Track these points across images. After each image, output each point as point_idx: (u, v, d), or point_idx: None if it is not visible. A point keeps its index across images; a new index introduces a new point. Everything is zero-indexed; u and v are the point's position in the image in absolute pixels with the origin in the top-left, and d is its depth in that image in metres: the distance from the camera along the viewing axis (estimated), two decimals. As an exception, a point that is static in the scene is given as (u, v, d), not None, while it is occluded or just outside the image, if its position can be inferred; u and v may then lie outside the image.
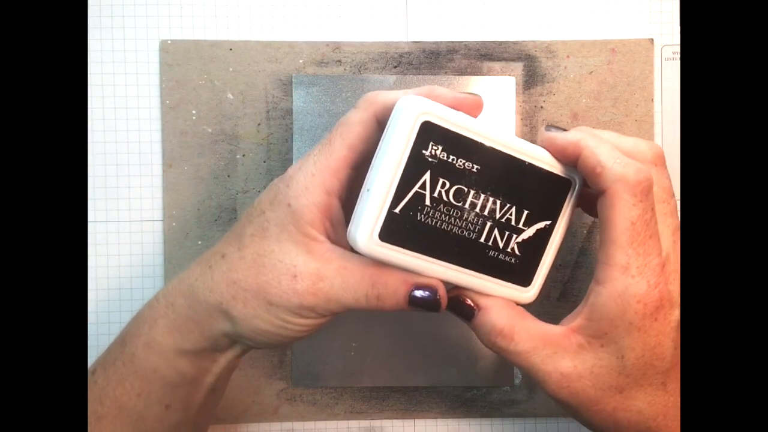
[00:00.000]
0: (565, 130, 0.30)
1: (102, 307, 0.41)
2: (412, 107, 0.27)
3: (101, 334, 0.40)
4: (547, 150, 0.29)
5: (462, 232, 0.29)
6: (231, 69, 0.40)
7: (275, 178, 0.30)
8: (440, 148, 0.28)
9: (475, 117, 0.29)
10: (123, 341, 0.31)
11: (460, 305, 0.30)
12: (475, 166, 0.28)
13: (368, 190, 0.28)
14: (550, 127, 0.30)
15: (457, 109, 0.28)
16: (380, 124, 0.29)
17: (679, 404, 0.28)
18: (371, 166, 0.28)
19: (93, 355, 0.40)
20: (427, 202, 0.28)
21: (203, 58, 0.40)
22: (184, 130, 0.40)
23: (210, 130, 0.40)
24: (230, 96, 0.40)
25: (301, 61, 0.40)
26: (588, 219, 0.41)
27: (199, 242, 0.40)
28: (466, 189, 0.28)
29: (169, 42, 0.40)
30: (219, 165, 0.40)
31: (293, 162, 0.40)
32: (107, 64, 0.40)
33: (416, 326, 0.41)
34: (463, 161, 0.28)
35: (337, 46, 0.40)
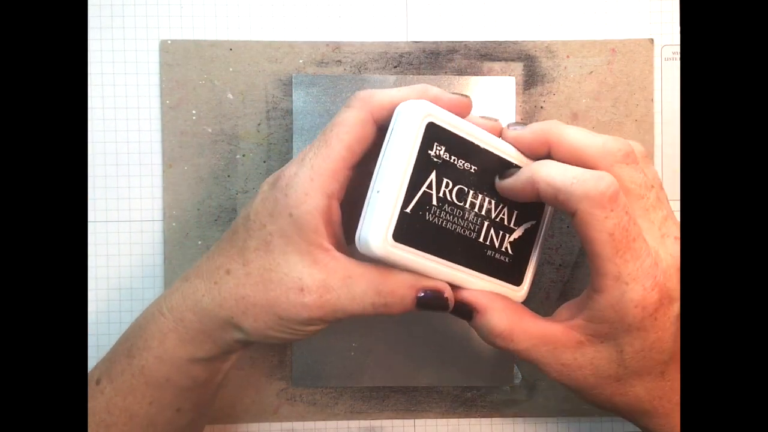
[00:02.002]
0: (524, 124, 0.30)
1: (102, 307, 0.41)
2: (418, 109, 0.28)
3: (101, 334, 0.40)
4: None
5: (464, 231, 0.29)
6: (231, 69, 0.40)
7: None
8: (443, 148, 0.28)
9: (464, 118, 0.30)
10: (129, 353, 0.31)
11: (459, 306, 0.30)
12: (473, 167, 0.29)
13: (378, 191, 0.28)
14: (513, 125, 0.30)
15: (451, 111, 0.29)
16: (376, 123, 0.29)
17: (676, 388, 0.29)
18: (378, 166, 0.28)
19: (93, 354, 0.40)
20: (434, 201, 0.28)
21: (203, 58, 0.40)
22: (184, 130, 0.40)
23: (210, 130, 0.40)
24: (230, 96, 0.40)
25: (301, 61, 0.40)
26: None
27: (199, 242, 0.40)
28: (466, 189, 0.29)
29: (169, 42, 0.40)
30: (219, 165, 0.40)
31: (293, 162, 0.40)
32: (107, 64, 0.40)
33: (416, 326, 0.41)
34: (463, 162, 0.29)
35: (337, 46, 0.40)
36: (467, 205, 0.29)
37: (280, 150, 0.40)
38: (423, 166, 0.28)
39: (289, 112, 0.40)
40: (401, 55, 0.40)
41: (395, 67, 0.40)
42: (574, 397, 0.41)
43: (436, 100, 0.29)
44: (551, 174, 0.27)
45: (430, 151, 0.28)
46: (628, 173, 0.28)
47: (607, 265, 0.27)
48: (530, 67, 0.40)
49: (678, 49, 0.41)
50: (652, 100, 0.41)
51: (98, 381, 0.31)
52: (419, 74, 0.40)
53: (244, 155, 0.40)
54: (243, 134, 0.40)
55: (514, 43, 0.41)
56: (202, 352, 0.30)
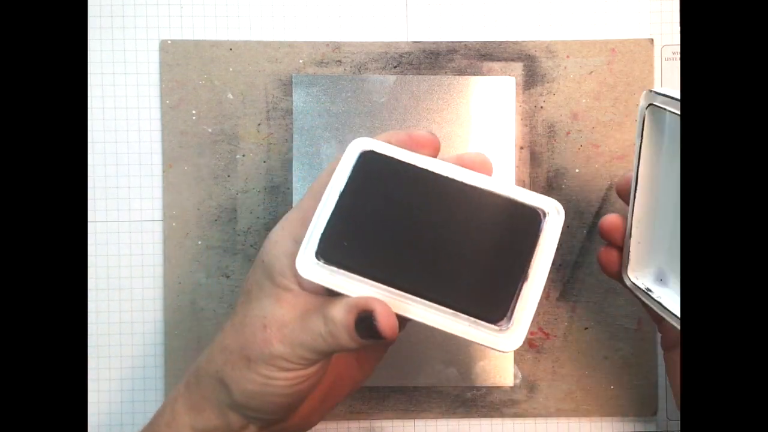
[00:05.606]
0: None
1: (102, 307, 0.41)
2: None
3: (101, 334, 0.40)
4: None
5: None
6: (231, 69, 0.40)
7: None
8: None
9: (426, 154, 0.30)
10: (152, 420, 0.32)
11: None
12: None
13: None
14: None
15: (409, 145, 0.30)
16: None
17: None
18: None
19: (93, 355, 0.40)
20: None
21: (203, 58, 0.40)
22: (184, 130, 0.40)
23: (210, 130, 0.40)
24: (230, 96, 0.40)
25: (301, 61, 0.40)
26: (588, 219, 0.41)
27: (199, 242, 0.40)
28: None
29: (169, 42, 0.40)
30: (219, 165, 0.40)
31: (293, 161, 0.40)
32: (107, 64, 0.40)
33: (416, 326, 0.41)
34: None
35: (337, 46, 0.40)
36: None
37: (280, 150, 0.40)
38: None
39: (289, 112, 0.40)
40: (401, 55, 0.40)
41: (395, 67, 0.40)
42: (574, 397, 0.41)
43: (392, 138, 0.30)
44: None
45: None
46: None
47: None
48: (530, 67, 0.40)
49: (678, 49, 0.41)
50: (652, 100, 0.41)
51: None
52: (419, 74, 0.40)
53: (244, 155, 0.40)
54: (243, 134, 0.40)
55: (514, 43, 0.41)
56: (203, 420, 0.30)
